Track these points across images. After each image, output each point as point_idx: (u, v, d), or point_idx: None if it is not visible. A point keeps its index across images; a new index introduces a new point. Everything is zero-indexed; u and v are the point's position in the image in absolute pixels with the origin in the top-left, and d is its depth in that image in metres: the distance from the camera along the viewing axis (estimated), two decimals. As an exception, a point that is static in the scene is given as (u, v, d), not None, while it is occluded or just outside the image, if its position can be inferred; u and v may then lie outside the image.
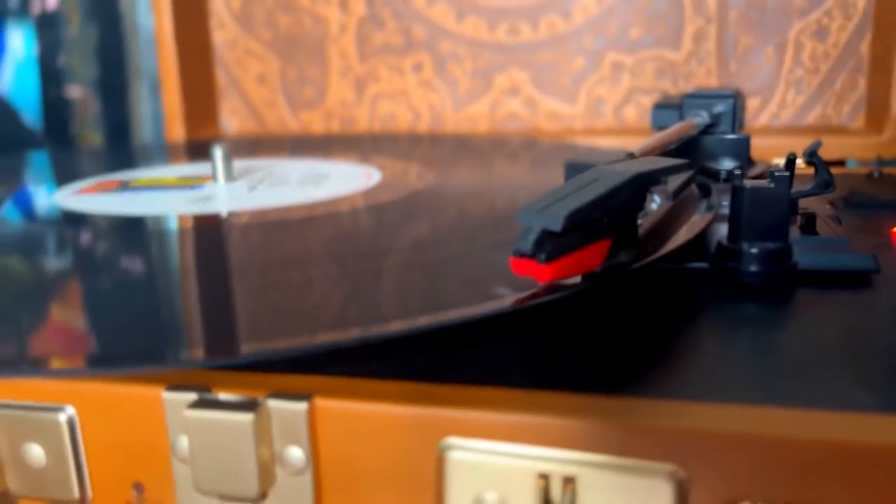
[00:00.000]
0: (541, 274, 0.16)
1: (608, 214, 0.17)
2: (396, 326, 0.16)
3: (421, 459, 0.16)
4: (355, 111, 0.51)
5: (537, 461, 0.15)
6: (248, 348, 0.16)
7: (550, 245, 0.16)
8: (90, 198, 0.30)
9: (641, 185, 0.18)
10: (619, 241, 0.18)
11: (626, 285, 0.22)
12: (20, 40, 0.57)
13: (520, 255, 0.16)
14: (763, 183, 0.22)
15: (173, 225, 0.26)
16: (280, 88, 0.52)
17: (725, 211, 0.24)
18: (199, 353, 0.17)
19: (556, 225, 0.15)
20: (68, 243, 0.25)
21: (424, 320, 0.16)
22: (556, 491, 0.15)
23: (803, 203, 0.28)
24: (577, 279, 0.17)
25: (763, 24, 0.44)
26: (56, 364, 0.16)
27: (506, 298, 0.17)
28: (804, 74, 0.44)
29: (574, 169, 0.19)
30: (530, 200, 0.16)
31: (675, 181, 0.18)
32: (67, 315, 0.19)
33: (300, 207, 0.28)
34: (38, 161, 0.43)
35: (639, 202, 0.18)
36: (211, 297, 0.20)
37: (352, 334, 0.16)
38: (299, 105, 0.52)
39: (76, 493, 0.18)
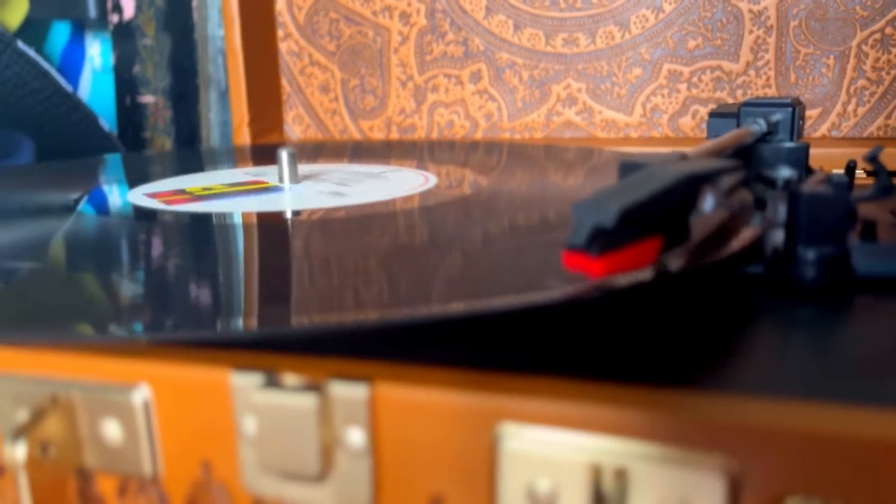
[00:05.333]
0: (592, 269, 0.16)
1: (661, 213, 0.17)
2: (455, 308, 0.17)
3: (475, 446, 0.16)
4: (414, 120, 0.52)
5: (590, 452, 0.15)
6: (323, 321, 0.17)
7: (603, 240, 0.16)
8: (164, 195, 0.32)
9: (695, 184, 0.18)
10: (671, 240, 0.18)
11: (682, 285, 0.22)
12: (98, 50, 0.60)
13: (572, 248, 0.16)
14: (821, 188, 0.21)
15: (248, 220, 0.27)
16: (342, 97, 0.53)
17: (781, 218, 0.24)
18: (277, 323, 0.17)
19: (609, 220, 0.15)
20: (150, 236, 0.26)
21: (477, 304, 0.17)
22: (608, 482, 0.16)
23: (864, 211, 0.28)
24: (628, 278, 0.18)
25: (824, 33, 0.43)
26: (138, 333, 0.17)
27: (557, 290, 0.17)
28: (867, 84, 0.43)
29: (628, 168, 0.19)
30: (585, 197, 0.16)
31: (728, 181, 0.18)
32: (155, 292, 0.20)
33: (362, 206, 0.29)
34: (113, 163, 0.45)
35: (692, 201, 0.18)
36: (286, 282, 0.20)
37: (410, 313, 0.16)
38: (360, 114, 0.53)
39: (148, 470, 0.19)
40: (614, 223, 0.15)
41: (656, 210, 0.17)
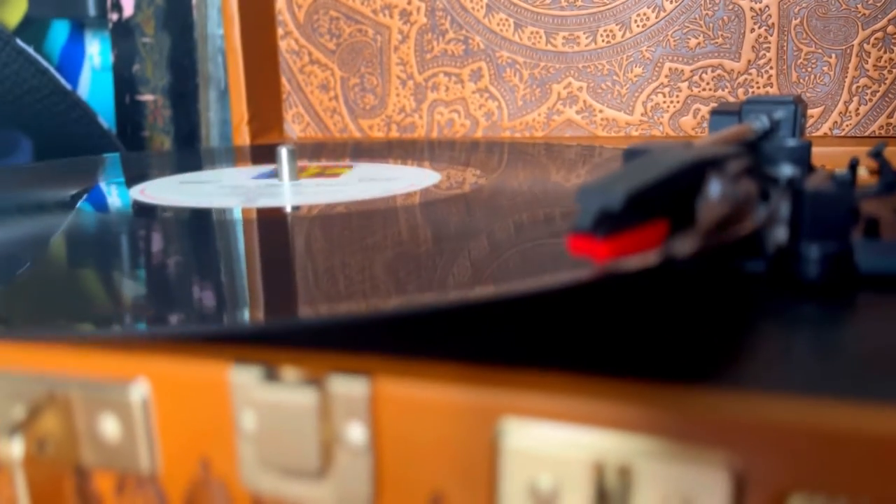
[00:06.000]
0: (598, 252, 0.16)
1: (667, 197, 0.17)
2: (458, 295, 0.17)
3: (477, 441, 0.16)
4: (414, 118, 0.52)
5: (592, 449, 0.15)
6: (329, 312, 0.17)
7: (609, 223, 0.16)
8: (162, 193, 0.32)
9: (701, 168, 0.18)
10: (677, 225, 0.18)
11: (685, 280, 0.22)
12: (97, 48, 0.60)
13: (578, 232, 0.16)
14: (825, 185, 0.21)
15: (248, 216, 0.27)
16: (342, 96, 0.53)
17: (784, 215, 0.24)
18: (274, 317, 0.17)
19: (616, 203, 0.15)
20: (151, 231, 0.26)
21: (482, 291, 0.17)
22: (611, 479, 0.15)
23: (867, 209, 0.28)
24: (634, 263, 0.17)
25: (826, 32, 0.43)
26: (139, 327, 0.17)
27: (563, 273, 0.17)
28: (869, 83, 0.43)
29: (633, 155, 0.19)
30: (589, 182, 0.16)
31: (735, 167, 0.18)
32: (156, 286, 0.20)
33: (362, 202, 0.28)
34: (113, 162, 0.45)
35: (697, 186, 0.18)
36: (288, 275, 0.20)
37: (413, 302, 0.16)
38: (360, 112, 0.53)
39: (146, 467, 0.19)
40: (621, 206, 0.15)
41: (662, 194, 0.17)
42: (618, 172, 0.17)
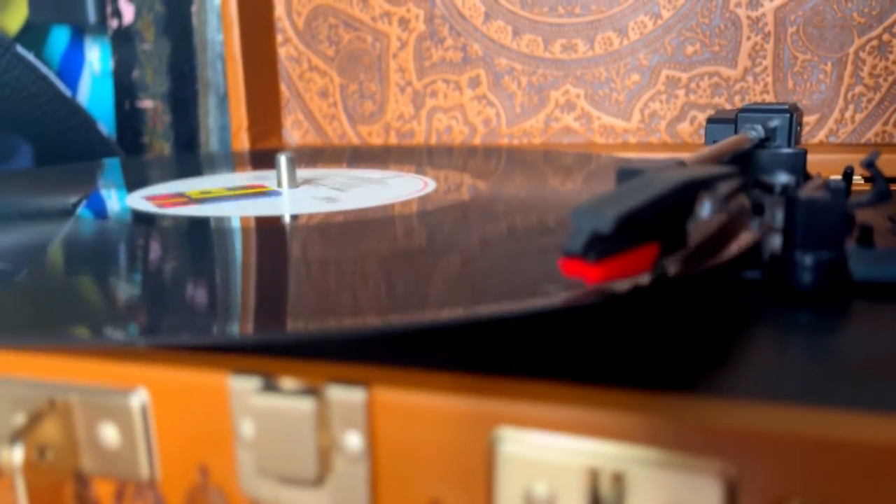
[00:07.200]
0: (589, 274, 0.16)
1: (658, 219, 0.17)
2: (451, 314, 0.17)
3: (473, 450, 0.16)
4: (413, 125, 0.52)
5: (587, 456, 0.15)
6: (319, 326, 0.17)
7: (600, 246, 0.16)
8: (161, 199, 0.32)
9: (692, 190, 0.18)
10: (669, 246, 0.18)
11: (680, 290, 0.22)
12: (97, 55, 0.60)
13: (569, 255, 0.16)
14: (819, 193, 0.22)
15: (246, 225, 0.27)
16: (341, 102, 0.53)
17: (779, 223, 0.24)
18: (275, 329, 0.18)
19: (606, 226, 0.15)
20: (148, 240, 0.26)
21: (474, 311, 0.17)
22: (606, 486, 0.15)
23: (861, 217, 0.28)
24: (626, 283, 0.18)
25: (822, 40, 0.44)
26: (136, 338, 0.17)
27: (555, 296, 0.17)
28: (864, 91, 0.44)
29: (626, 175, 0.19)
30: (582, 202, 0.16)
31: (726, 187, 0.18)
32: (153, 297, 0.20)
33: (360, 211, 0.29)
34: (112, 168, 0.45)
35: (689, 208, 0.18)
36: (283, 287, 0.20)
37: (407, 320, 0.16)
38: (359, 119, 0.53)
39: (146, 473, 0.19)
40: (611, 230, 0.15)
41: (654, 216, 0.17)
42: (610, 194, 0.17)
